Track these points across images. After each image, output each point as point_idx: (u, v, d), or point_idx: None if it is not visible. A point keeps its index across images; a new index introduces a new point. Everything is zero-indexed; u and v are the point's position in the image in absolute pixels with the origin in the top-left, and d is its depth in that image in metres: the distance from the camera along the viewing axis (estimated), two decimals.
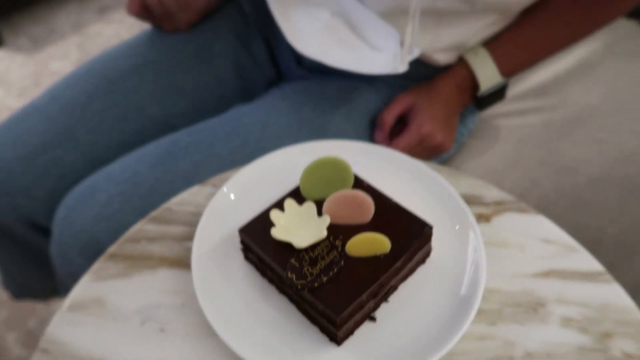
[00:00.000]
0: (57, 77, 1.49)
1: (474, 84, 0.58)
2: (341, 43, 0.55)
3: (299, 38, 0.55)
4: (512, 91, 0.76)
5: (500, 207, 0.43)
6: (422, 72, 0.59)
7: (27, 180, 0.54)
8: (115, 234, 0.47)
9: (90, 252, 0.48)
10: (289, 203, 0.36)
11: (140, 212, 0.48)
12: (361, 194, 0.35)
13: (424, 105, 0.57)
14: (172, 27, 0.61)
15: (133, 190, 0.50)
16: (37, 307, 1.00)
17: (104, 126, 0.57)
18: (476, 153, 0.67)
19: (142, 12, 0.59)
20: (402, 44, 0.52)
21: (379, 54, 0.54)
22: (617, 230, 0.57)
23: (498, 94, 0.60)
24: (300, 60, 0.65)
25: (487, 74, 0.57)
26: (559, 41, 0.58)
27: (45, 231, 0.58)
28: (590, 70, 0.78)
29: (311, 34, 0.55)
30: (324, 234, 0.35)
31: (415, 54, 0.52)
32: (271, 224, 0.35)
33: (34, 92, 1.48)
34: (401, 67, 0.51)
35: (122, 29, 1.72)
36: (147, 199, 0.49)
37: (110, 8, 1.81)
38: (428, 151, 0.58)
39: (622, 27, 0.87)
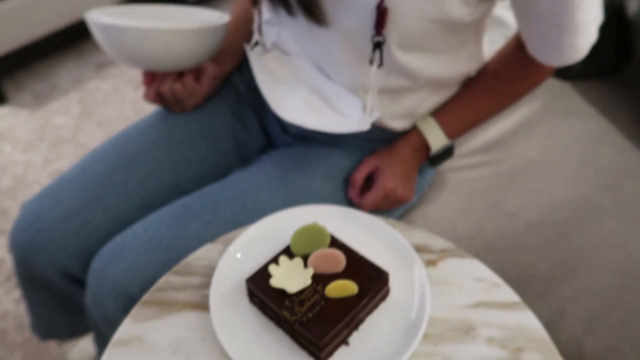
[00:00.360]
0: (61, 131, 1.62)
1: (426, 145, 0.71)
2: (316, 112, 0.68)
3: (283, 109, 0.68)
4: (465, 148, 0.90)
5: (444, 253, 0.56)
6: (384, 137, 0.73)
7: (64, 239, 0.66)
8: (142, 283, 0.59)
9: (122, 299, 0.60)
10: (283, 259, 0.49)
11: (162, 265, 0.60)
12: (335, 251, 0.48)
13: (386, 165, 0.70)
14: (180, 109, 0.74)
15: (155, 247, 0.61)
16: (50, 348, 1.10)
17: (127, 193, 0.69)
18: (435, 202, 0.81)
19: (157, 98, 0.72)
20: (364, 109, 0.66)
21: (346, 119, 0.67)
22: (547, 265, 0.71)
23: (447, 153, 0.74)
24: (285, 129, 0.78)
25: (436, 138, 0.71)
26: (491, 109, 0.72)
27: (76, 280, 0.69)
28: (530, 128, 0.93)
29: (292, 105, 0.68)
30: (309, 281, 0.47)
31: (375, 116, 0.64)
32: (269, 275, 0.48)
33: (39, 146, 1.60)
34: (365, 127, 0.63)
35: (119, 84, 1.85)
36: (167, 254, 0.61)
37: (107, 64, 1.95)
38: (392, 203, 0.71)
39: (557, 88, 1.03)
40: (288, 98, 0.68)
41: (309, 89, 0.68)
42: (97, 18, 0.63)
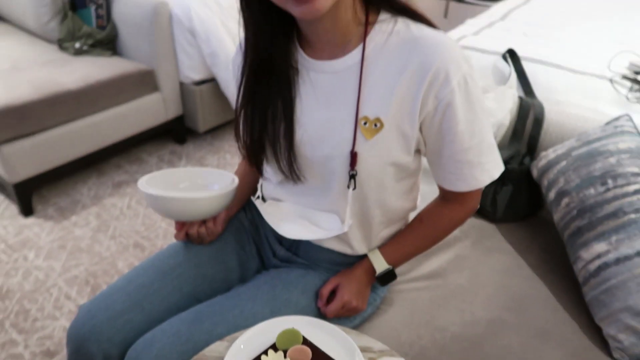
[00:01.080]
0: (79, 241, 1.87)
1: (374, 269, 0.98)
2: (307, 230, 0.96)
3: (281, 229, 0.96)
4: (413, 274, 1.17)
5: (382, 353, 0.81)
6: (345, 261, 1.00)
7: (111, 333, 0.89)
8: None
9: None
10: (270, 352, 0.74)
11: (182, 354, 0.83)
12: (305, 347, 0.74)
13: (345, 283, 0.96)
14: (200, 243, 1.02)
15: (177, 341, 0.85)
16: None
17: (159, 299, 0.94)
18: (385, 315, 1.06)
19: (185, 238, 1.01)
20: (343, 222, 0.92)
21: (329, 231, 0.94)
22: None
23: (390, 275, 0.99)
24: (275, 254, 1.06)
25: (379, 264, 0.97)
26: (419, 245, 0.99)
27: None
28: (462, 261, 1.22)
29: (290, 228, 0.96)
30: None
31: (349, 223, 0.90)
32: None
33: (59, 254, 1.84)
34: (345, 229, 0.89)
35: (132, 201, 2.15)
36: (185, 346, 0.85)
37: (123, 183, 2.26)
38: (349, 311, 0.97)
39: (485, 229, 1.34)
40: (286, 224, 0.97)
41: (299, 216, 0.97)
42: (146, 190, 0.91)
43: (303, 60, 0.86)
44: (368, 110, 0.82)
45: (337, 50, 0.83)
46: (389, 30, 0.81)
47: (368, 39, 0.81)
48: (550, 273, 1.18)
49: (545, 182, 1.25)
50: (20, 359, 1.45)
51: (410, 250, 1.00)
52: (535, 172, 1.29)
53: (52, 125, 2.02)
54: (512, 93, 1.40)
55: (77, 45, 2.28)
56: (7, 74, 2.06)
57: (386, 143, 0.83)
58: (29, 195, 2.04)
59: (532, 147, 1.36)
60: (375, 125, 0.81)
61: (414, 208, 1.01)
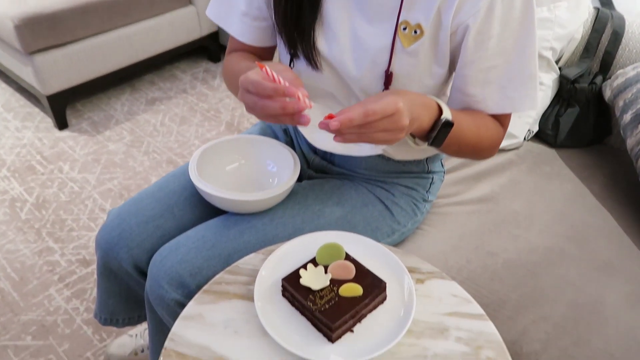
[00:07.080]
0: (113, 156, 1.84)
1: (435, 110, 0.71)
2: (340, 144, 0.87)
3: (315, 140, 0.87)
4: (461, 197, 1.08)
5: (430, 275, 0.74)
6: (387, 168, 0.91)
7: (141, 238, 0.85)
8: (191, 271, 0.77)
9: (174, 282, 0.77)
10: (310, 266, 0.67)
11: (206, 259, 0.78)
12: (348, 263, 0.66)
13: (405, 99, 0.64)
14: None
15: (202, 246, 0.80)
16: (93, 340, 1.27)
17: (190, 206, 0.88)
18: (432, 238, 0.98)
19: None
20: None
21: (361, 146, 0.84)
22: (517, 295, 0.87)
23: (447, 129, 0.72)
24: (309, 164, 0.98)
25: (446, 110, 0.73)
26: (468, 134, 0.76)
27: (142, 273, 0.88)
28: (517, 185, 1.11)
29: (321, 138, 0.87)
30: (327, 283, 0.65)
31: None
32: (300, 277, 0.66)
33: (94, 167, 1.82)
34: (378, 151, 0.83)
35: (166, 118, 2.09)
36: (210, 251, 0.79)
37: (157, 100, 2.20)
38: (389, 129, 0.63)
39: (544, 153, 1.22)
40: (318, 134, 0.87)
41: None
42: (202, 187, 0.81)
43: None
44: (410, 15, 0.72)
45: None
46: None
47: None
48: (617, 203, 1.07)
49: (620, 104, 1.10)
50: (57, 266, 1.47)
51: (462, 129, 0.76)
52: (608, 92, 1.14)
53: (84, 36, 1.95)
54: (587, 3, 1.22)
55: None
56: None
57: (423, 53, 0.74)
58: (63, 108, 2.00)
59: (607, 65, 1.20)
60: (415, 32, 0.72)
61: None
